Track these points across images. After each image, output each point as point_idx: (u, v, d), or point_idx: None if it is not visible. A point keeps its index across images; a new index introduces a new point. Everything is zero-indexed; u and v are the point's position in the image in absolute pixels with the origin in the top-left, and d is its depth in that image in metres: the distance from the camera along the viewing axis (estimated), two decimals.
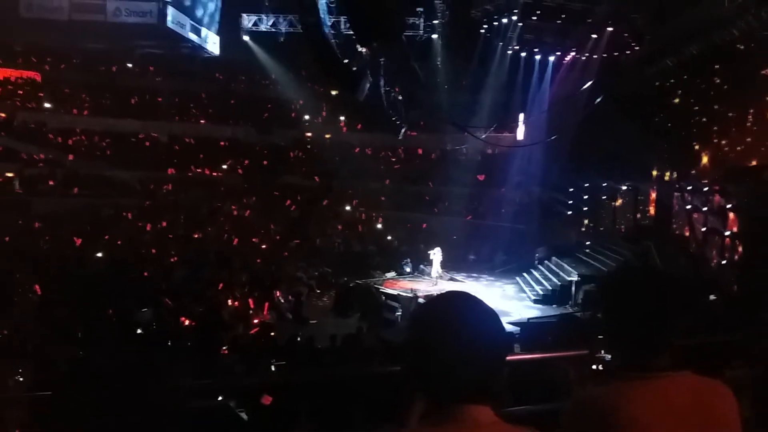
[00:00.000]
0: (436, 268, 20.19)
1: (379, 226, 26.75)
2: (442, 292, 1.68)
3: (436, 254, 20.17)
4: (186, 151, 28.40)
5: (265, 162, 29.51)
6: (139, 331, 10.04)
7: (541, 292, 18.82)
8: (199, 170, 28.24)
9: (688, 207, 17.45)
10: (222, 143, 29.99)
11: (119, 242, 19.25)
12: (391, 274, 22.06)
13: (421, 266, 22.58)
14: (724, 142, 17.65)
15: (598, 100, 17.53)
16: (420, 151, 30.72)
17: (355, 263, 21.83)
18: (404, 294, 17.90)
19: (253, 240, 23.31)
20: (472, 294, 1.63)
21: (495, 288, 20.63)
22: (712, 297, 9.97)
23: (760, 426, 2.15)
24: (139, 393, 1.97)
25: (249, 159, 29.56)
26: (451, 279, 21.41)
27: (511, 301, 18.52)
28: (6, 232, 17.78)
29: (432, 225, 26.71)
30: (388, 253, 24.14)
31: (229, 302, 15.43)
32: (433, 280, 20.06)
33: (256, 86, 31.19)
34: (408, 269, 22.60)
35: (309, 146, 31.16)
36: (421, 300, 16.72)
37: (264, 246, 22.79)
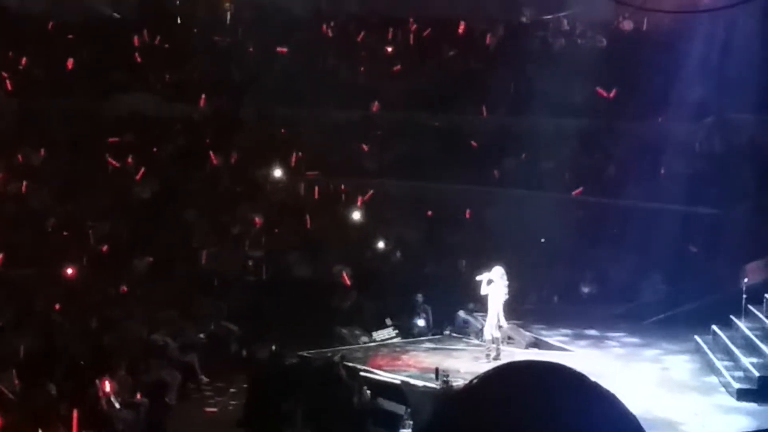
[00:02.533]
0: (494, 315, 20.69)
1: (357, 215, 27.22)
2: (513, 366, 2.13)
3: (494, 282, 20.62)
4: None
5: (71, 60, 29.87)
6: None
7: (757, 374, 18.96)
8: None
9: None
10: None
11: None
12: (385, 334, 22.68)
13: (461, 313, 23.06)
14: None
15: None
16: (460, 29, 31.05)
17: (299, 309, 22.25)
18: (417, 383, 18.42)
19: (44, 255, 23.74)
20: (586, 376, 2.02)
21: (643, 364, 21.01)
22: None
23: None
24: None
25: (27, 50, 29.95)
26: (535, 344, 21.92)
27: (684, 394, 18.82)
28: None
29: (486, 211, 26.99)
30: (377, 282, 24.57)
31: None
32: (489, 347, 20.65)
33: None
34: (422, 322, 23.12)
35: (178, 18, 31.70)
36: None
37: (71, 270, 23.23)
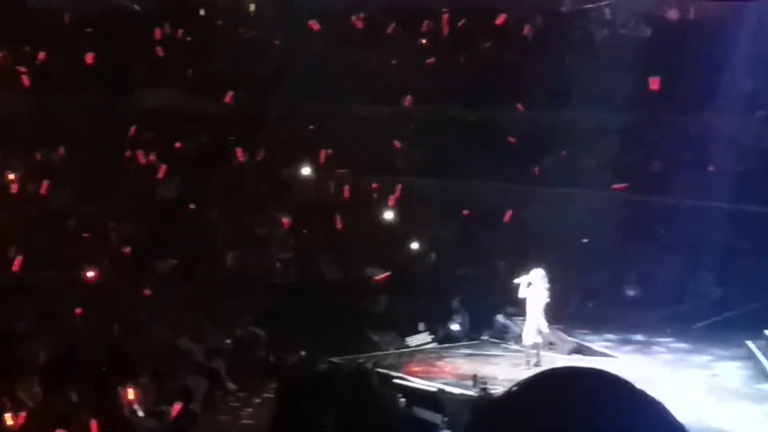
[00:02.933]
0: (534, 320, 21.14)
1: (389, 215, 27.26)
2: (554, 372, 2.18)
3: (534, 285, 21.08)
4: None
5: (89, 56, 29.96)
6: None
7: None
8: None
9: None
10: None
11: None
12: (420, 340, 23.02)
13: (499, 317, 23.35)
14: None
15: None
16: (498, 20, 31.01)
17: (328, 313, 22.64)
18: (454, 390, 18.84)
19: (65, 257, 24.09)
20: (632, 384, 2.08)
21: (692, 370, 21.33)
22: None
23: None
24: None
25: (44, 44, 30.14)
26: (577, 350, 22.20)
27: (736, 402, 19.08)
28: None
29: (525, 210, 27.05)
30: (411, 285, 24.76)
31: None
32: (528, 353, 21.08)
33: None
34: (457, 326, 23.36)
35: (201, 10, 32.14)
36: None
37: (93, 273, 23.58)
